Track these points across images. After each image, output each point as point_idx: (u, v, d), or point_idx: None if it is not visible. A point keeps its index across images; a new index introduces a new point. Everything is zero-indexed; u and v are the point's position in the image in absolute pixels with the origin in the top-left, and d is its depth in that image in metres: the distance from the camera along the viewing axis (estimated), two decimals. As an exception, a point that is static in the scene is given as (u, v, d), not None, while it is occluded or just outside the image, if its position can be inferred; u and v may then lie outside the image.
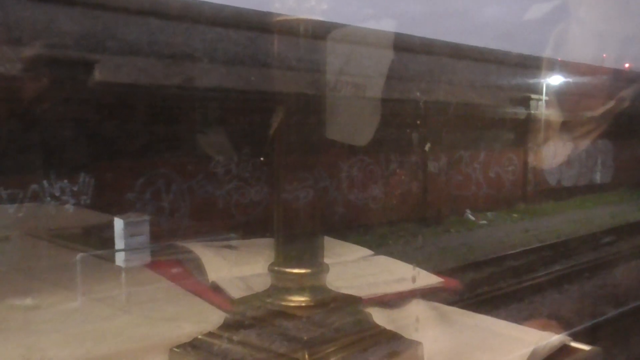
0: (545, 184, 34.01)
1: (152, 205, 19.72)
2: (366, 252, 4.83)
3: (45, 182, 17.60)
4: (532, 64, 30.42)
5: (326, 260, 3.18)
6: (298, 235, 3.17)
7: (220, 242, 4.73)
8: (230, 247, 4.63)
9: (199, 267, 4.24)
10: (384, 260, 4.71)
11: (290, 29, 3.05)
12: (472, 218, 27.79)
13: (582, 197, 34.50)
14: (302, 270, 3.10)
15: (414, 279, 4.17)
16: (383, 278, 4.31)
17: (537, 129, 31.53)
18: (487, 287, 17.43)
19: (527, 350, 3.19)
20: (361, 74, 21.48)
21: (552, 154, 33.88)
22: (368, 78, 21.99)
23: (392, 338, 3.16)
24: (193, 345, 3.04)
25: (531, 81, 31.01)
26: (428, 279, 4.35)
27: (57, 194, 17.83)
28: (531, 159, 32.47)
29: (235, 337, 3.03)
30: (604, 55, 33.47)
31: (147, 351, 3.19)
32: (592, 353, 3.30)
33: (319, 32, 3.06)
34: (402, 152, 26.34)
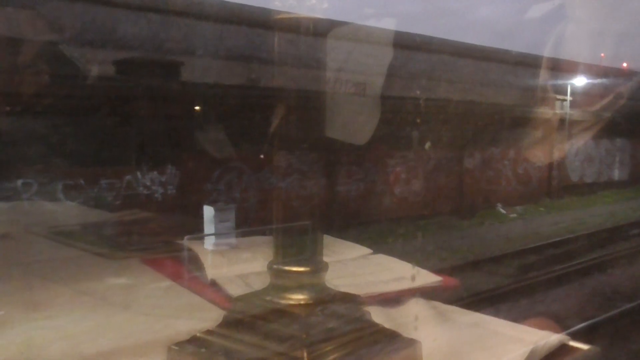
0: (568, 180, 33.28)
1: (225, 195, 19.72)
2: (365, 250, 4.47)
3: (138, 173, 17.66)
4: (556, 67, 29.63)
5: (325, 259, 2.88)
6: (297, 233, 2.87)
7: (219, 239, 4.35)
8: (229, 245, 4.25)
9: (197, 264, 3.86)
10: (383, 259, 4.31)
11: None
12: (503, 211, 27.30)
13: (602, 192, 33.69)
14: (302, 269, 2.79)
15: (413, 278, 3.73)
16: (382, 277, 3.94)
17: (561, 128, 30.86)
18: (535, 272, 17.31)
19: (526, 349, 2.87)
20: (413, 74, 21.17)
21: (575, 151, 33.13)
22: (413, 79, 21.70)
23: (391, 336, 2.85)
24: (192, 342, 2.74)
25: (556, 82, 30.22)
26: (427, 277, 3.91)
27: (148, 184, 17.95)
28: (555, 156, 31.76)
29: (234, 335, 2.73)
30: (602, 54, 32.44)
31: (145, 348, 2.95)
32: (591, 352, 2.92)
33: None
34: (440, 149, 25.87)
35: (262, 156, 19.83)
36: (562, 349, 2.96)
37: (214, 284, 3.62)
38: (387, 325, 2.89)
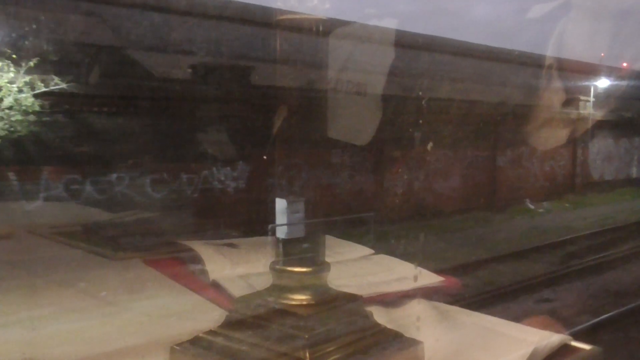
0: (589, 178, 32.32)
1: (286, 190, 19.58)
2: (367, 250, 4.19)
3: (214, 169, 17.71)
4: (581, 69, 28.73)
5: (327, 259, 2.70)
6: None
7: (220, 240, 4.09)
8: (231, 245, 3.99)
9: (199, 265, 3.61)
10: (385, 259, 4.01)
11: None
12: (532, 207, 26.55)
13: (621, 190, 32.68)
14: (304, 269, 2.60)
15: (415, 278, 3.43)
16: (384, 277, 3.68)
17: (584, 127, 29.95)
18: (578, 260, 16.64)
19: (528, 349, 2.62)
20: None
21: (596, 150, 32.20)
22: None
23: (393, 337, 2.63)
24: (194, 342, 2.57)
25: (581, 84, 29.27)
26: (429, 278, 3.60)
27: (222, 178, 17.98)
28: (579, 155, 30.95)
29: (236, 335, 2.54)
30: (602, 54, 31.14)
31: (147, 348, 2.85)
32: (593, 352, 2.62)
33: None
34: (476, 148, 25.37)
35: (318, 154, 19.78)
36: (564, 348, 2.74)
37: (216, 284, 3.39)
38: (389, 326, 2.70)
